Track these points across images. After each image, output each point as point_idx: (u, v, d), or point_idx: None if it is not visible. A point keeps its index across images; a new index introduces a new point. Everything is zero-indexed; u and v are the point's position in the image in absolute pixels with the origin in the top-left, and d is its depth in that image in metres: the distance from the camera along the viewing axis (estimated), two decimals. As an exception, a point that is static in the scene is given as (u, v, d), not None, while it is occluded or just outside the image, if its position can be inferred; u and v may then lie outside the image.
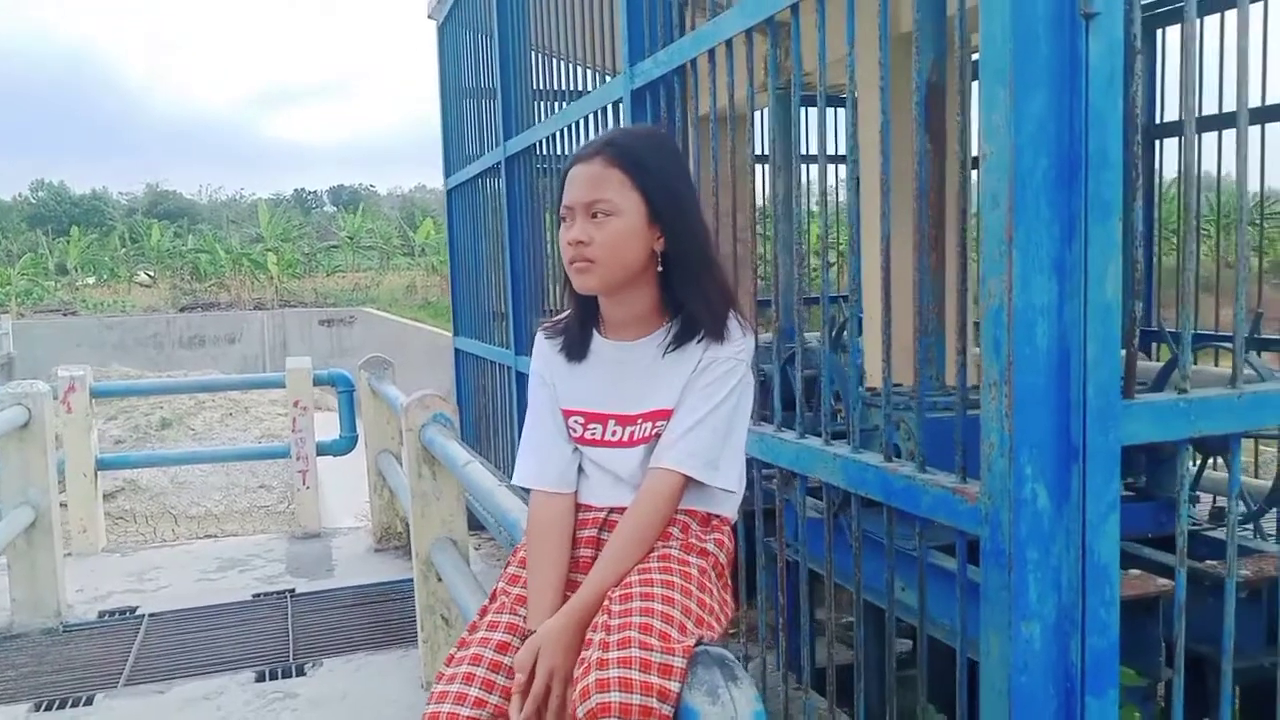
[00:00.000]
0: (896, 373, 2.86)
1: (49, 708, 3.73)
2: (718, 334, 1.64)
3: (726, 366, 1.64)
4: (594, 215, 1.61)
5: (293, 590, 5.08)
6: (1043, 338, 1.55)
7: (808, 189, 6.10)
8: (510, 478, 1.88)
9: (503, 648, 1.60)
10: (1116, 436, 1.59)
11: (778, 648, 2.65)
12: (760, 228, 5.80)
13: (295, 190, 55.44)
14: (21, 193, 48.63)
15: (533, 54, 4.68)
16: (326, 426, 6.57)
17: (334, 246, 35.39)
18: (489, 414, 5.84)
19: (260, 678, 3.98)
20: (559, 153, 4.16)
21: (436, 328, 20.38)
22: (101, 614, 4.81)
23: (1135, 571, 2.87)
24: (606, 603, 1.53)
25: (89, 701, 3.78)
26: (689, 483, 1.62)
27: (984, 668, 1.65)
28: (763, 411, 2.55)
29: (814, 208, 7.06)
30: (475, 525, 5.06)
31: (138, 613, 4.80)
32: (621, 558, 1.59)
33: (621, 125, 3.21)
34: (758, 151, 5.48)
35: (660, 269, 1.65)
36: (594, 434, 1.71)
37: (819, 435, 2.23)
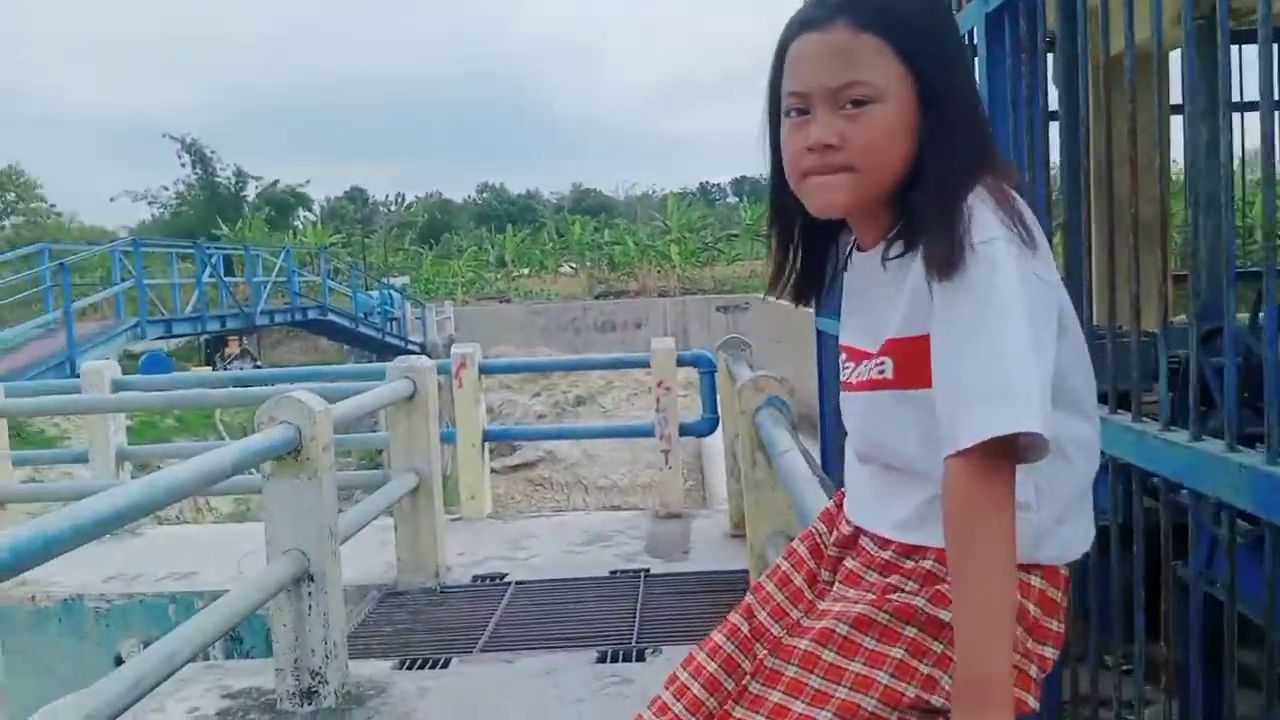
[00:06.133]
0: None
1: (410, 666, 3.93)
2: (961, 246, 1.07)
3: (979, 270, 1.05)
4: (843, 105, 1.14)
5: (647, 570, 5.05)
6: None
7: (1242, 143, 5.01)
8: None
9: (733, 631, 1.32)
10: None
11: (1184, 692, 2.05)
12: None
13: (700, 183, 57.68)
14: (470, 195, 55.14)
15: None
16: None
17: (734, 235, 36.33)
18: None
19: (601, 658, 3.93)
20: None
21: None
22: (475, 578, 5.07)
23: None
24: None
25: (445, 664, 3.94)
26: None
27: None
28: (1150, 400, 1.98)
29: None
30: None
31: (505, 579, 5.01)
32: (975, 601, 1.03)
33: None
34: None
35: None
36: (845, 375, 1.29)
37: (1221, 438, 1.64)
